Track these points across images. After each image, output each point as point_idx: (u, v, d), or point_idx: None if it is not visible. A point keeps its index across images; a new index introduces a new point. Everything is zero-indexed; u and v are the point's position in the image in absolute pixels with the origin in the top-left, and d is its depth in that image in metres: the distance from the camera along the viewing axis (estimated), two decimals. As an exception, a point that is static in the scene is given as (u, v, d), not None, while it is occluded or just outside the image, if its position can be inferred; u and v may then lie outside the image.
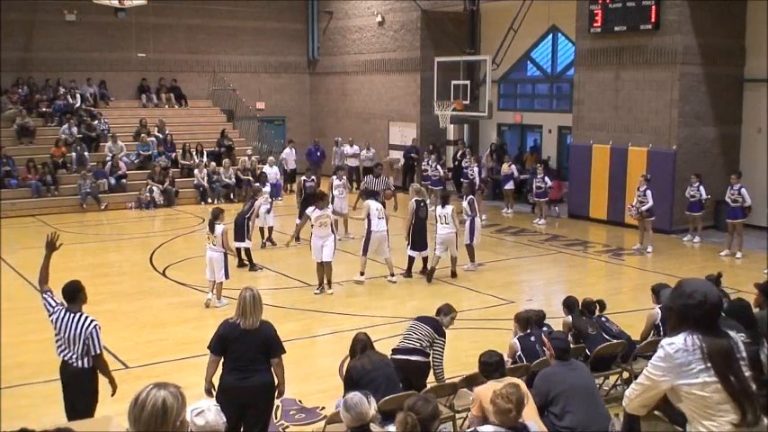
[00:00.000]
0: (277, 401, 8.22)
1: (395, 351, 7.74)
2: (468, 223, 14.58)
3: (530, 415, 5.47)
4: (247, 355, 6.42)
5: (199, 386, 6.61)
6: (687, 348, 3.58)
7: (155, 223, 20.77)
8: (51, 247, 7.03)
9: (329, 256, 12.83)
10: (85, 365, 6.78)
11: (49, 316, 6.85)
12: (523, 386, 5.48)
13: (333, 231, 13.04)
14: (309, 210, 13.20)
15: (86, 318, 6.79)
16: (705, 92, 18.21)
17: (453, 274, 14.12)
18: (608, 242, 17.71)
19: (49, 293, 6.92)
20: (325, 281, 13.02)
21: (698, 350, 3.57)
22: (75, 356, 6.76)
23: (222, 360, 6.57)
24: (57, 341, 6.86)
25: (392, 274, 13.76)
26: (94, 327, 6.77)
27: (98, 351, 6.80)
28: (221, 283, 12.04)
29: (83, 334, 6.70)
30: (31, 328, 11.10)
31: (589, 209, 19.80)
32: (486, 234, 18.21)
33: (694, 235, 17.17)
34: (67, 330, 6.73)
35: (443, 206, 13.92)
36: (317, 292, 12.92)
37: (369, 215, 13.63)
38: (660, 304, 8.50)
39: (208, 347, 6.66)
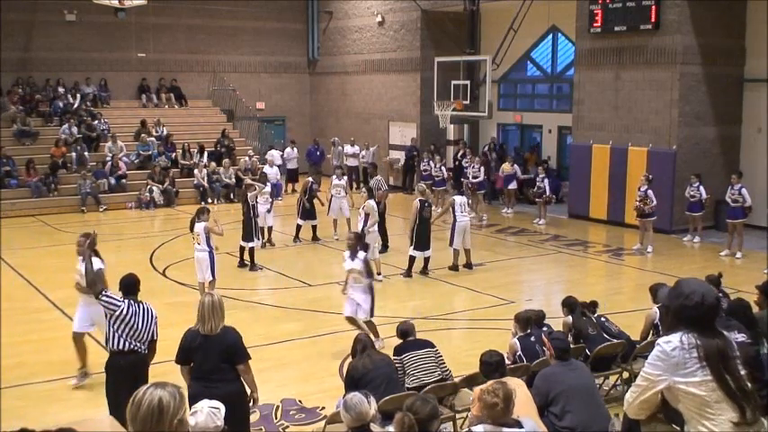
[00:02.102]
0: (277, 402, 8.25)
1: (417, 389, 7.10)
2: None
3: (530, 414, 5.47)
4: (209, 363, 6.34)
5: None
6: (684, 347, 3.59)
7: (155, 223, 20.76)
8: (93, 245, 7.19)
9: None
10: (146, 350, 7.07)
11: (116, 311, 6.93)
12: (516, 386, 5.45)
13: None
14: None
15: (149, 305, 7.14)
16: (705, 92, 18.20)
17: (469, 266, 14.45)
18: (608, 242, 17.70)
19: (108, 291, 7.04)
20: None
21: (694, 349, 3.57)
22: (142, 343, 7.01)
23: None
24: (118, 333, 6.93)
25: (379, 273, 13.76)
26: (155, 313, 7.14)
27: (157, 335, 7.14)
28: (211, 282, 11.82)
29: (152, 320, 7.05)
30: (31, 328, 11.13)
31: (589, 209, 19.79)
32: (487, 234, 18.24)
33: (694, 235, 17.16)
34: (138, 320, 6.95)
35: (461, 196, 14.78)
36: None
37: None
38: (658, 303, 8.50)
39: (174, 359, 6.59)
